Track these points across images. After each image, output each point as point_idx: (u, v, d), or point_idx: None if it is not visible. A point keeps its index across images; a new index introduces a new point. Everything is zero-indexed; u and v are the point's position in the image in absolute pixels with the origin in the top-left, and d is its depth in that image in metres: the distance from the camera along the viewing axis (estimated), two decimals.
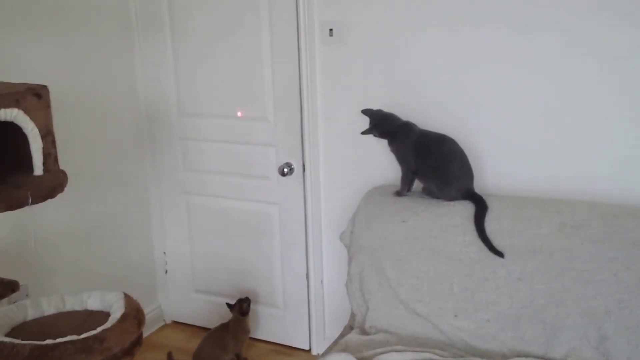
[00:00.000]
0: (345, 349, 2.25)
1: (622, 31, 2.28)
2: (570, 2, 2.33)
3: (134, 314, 2.10)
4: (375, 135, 2.55)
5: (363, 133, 2.54)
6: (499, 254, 2.27)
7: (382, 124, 2.53)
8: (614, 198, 2.37)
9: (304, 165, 2.94)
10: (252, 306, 2.99)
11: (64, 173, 2.07)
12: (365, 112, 2.56)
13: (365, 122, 2.55)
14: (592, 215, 2.24)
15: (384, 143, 2.58)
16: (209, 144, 3.14)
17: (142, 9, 3.09)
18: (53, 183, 2.00)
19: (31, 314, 2.18)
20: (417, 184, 2.57)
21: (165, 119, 3.20)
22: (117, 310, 2.11)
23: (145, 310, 2.26)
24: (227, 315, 3.01)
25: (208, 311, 3.29)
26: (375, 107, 2.57)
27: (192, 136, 3.17)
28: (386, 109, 2.55)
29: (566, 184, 2.48)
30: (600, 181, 2.43)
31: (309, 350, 3.19)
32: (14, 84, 2.00)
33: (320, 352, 3.04)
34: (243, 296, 3.02)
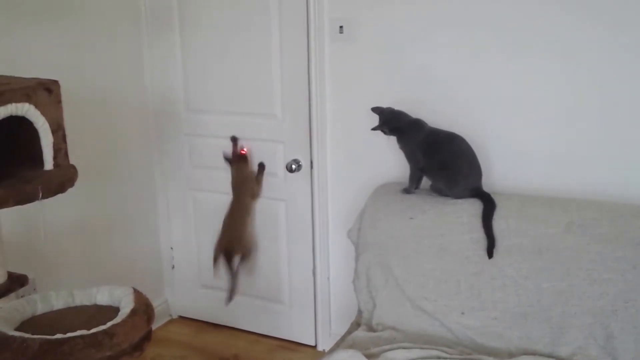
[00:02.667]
0: (352, 346, 2.26)
1: (629, 34, 2.29)
2: (574, 8, 2.34)
3: (143, 309, 2.10)
4: (384, 132, 2.54)
5: (374, 129, 2.54)
6: (489, 253, 2.28)
7: (392, 120, 2.52)
8: (622, 197, 2.36)
9: (311, 162, 2.94)
10: (258, 302, 2.96)
11: (74, 168, 2.08)
12: (374, 109, 2.56)
13: (374, 119, 2.55)
14: (600, 214, 2.24)
15: (392, 140, 2.58)
16: (216, 140, 3.13)
17: (151, 4, 3.09)
18: (63, 178, 2.00)
19: (40, 308, 2.18)
20: (425, 182, 2.57)
21: (173, 115, 3.20)
22: (126, 306, 2.11)
23: None
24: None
25: (214, 306, 3.29)
26: (384, 104, 2.56)
27: (200, 132, 3.17)
28: (395, 107, 2.55)
29: (573, 182, 2.47)
30: (607, 180, 2.43)
31: (315, 346, 3.20)
32: (25, 78, 1.99)
33: (326, 348, 3.04)
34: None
